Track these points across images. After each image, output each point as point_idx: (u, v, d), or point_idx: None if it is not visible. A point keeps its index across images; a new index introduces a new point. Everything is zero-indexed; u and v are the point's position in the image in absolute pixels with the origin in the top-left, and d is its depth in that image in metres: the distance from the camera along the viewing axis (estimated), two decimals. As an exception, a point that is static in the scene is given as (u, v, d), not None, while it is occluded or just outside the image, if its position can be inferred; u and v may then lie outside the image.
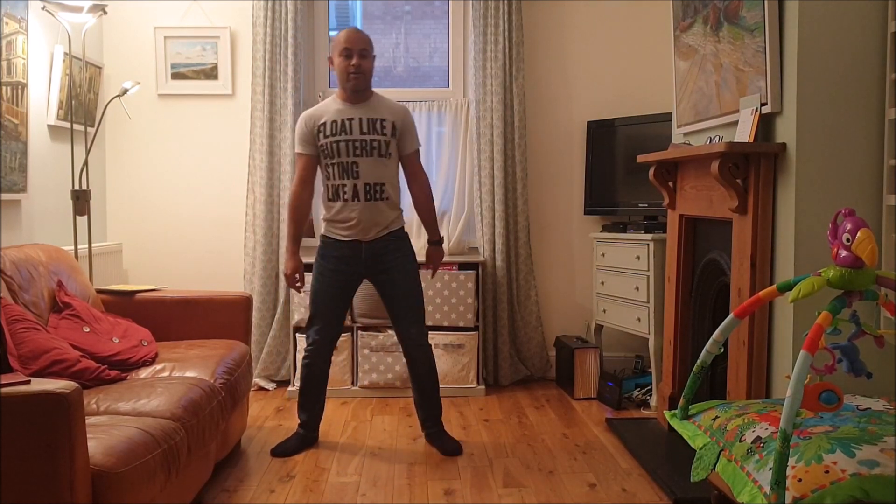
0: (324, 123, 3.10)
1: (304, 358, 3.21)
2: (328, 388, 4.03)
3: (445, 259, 4.11)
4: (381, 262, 3.15)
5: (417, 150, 3.22)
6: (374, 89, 3.20)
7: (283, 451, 3.18)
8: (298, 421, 3.29)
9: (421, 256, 3.35)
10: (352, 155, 3.08)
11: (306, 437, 3.27)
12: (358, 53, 3.05)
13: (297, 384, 3.33)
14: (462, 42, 4.46)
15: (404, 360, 3.31)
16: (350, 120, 3.08)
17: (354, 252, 3.14)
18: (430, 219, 3.26)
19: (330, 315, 3.18)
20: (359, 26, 4.62)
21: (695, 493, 2.64)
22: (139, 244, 4.44)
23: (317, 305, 3.18)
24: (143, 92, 4.33)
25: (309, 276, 3.27)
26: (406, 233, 3.25)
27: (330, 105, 3.14)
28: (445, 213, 4.40)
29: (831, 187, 2.50)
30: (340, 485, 2.85)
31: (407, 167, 3.21)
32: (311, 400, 3.26)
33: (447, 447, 3.20)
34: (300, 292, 3.43)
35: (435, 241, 3.29)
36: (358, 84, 3.07)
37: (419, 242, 4.34)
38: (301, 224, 3.21)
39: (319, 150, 3.13)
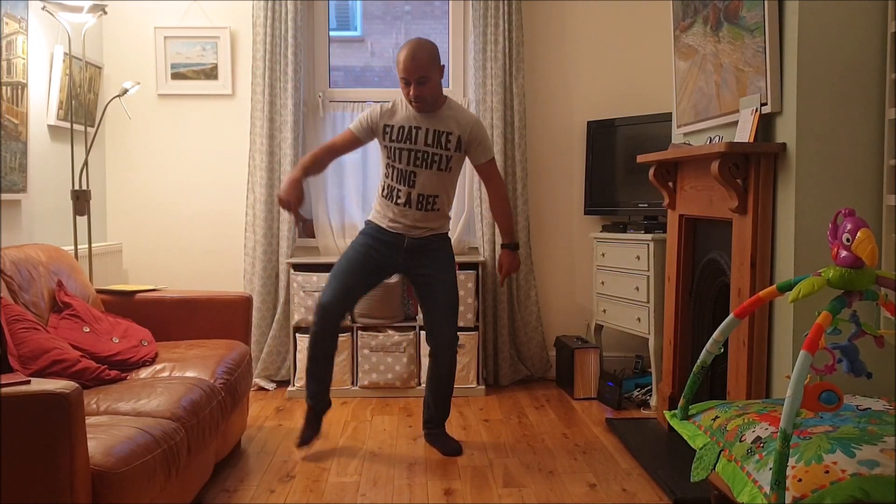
0: (391, 126, 3.08)
1: (314, 325, 3.11)
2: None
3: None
4: (420, 258, 3.15)
5: (491, 160, 3.17)
6: (446, 95, 3.12)
7: (306, 439, 3.17)
8: (306, 404, 3.23)
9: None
10: (412, 164, 3.08)
11: (317, 412, 3.22)
12: (416, 82, 2.96)
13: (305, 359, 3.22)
14: (462, 42, 4.46)
15: (428, 358, 3.25)
16: (417, 129, 3.06)
17: (396, 241, 3.14)
18: (505, 222, 3.23)
19: (350, 282, 3.09)
20: (359, 26, 4.62)
21: (695, 493, 2.64)
22: (139, 244, 4.44)
23: (341, 268, 3.11)
24: (143, 92, 4.33)
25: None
26: (449, 237, 3.27)
27: (404, 108, 3.09)
28: (445, 213, 4.40)
29: (831, 187, 2.50)
30: (340, 485, 2.85)
31: (482, 174, 3.21)
32: (319, 365, 3.16)
33: (448, 447, 3.20)
34: (291, 214, 3.14)
35: (509, 245, 3.24)
36: (421, 109, 3.04)
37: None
38: (311, 170, 3.11)
39: (382, 150, 3.14)
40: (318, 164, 3.13)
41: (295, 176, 3.02)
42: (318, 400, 3.22)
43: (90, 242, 3.78)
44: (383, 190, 3.16)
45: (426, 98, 3.00)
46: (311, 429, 3.21)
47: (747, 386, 2.66)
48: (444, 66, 3.04)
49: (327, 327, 3.09)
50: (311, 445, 3.21)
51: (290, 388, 4.08)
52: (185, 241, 4.44)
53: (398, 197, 3.11)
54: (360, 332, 4.06)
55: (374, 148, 4.36)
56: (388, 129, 3.08)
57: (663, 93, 4.34)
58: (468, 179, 4.38)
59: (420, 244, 3.14)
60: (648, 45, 4.40)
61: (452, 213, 4.25)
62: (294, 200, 2.98)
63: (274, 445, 3.29)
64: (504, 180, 3.24)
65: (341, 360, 4.04)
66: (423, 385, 4.04)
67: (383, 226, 3.15)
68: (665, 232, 3.69)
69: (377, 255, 3.14)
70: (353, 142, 3.14)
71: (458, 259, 4.13)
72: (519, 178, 4.27)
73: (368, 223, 3.21)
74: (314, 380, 3.19)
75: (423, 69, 2.95)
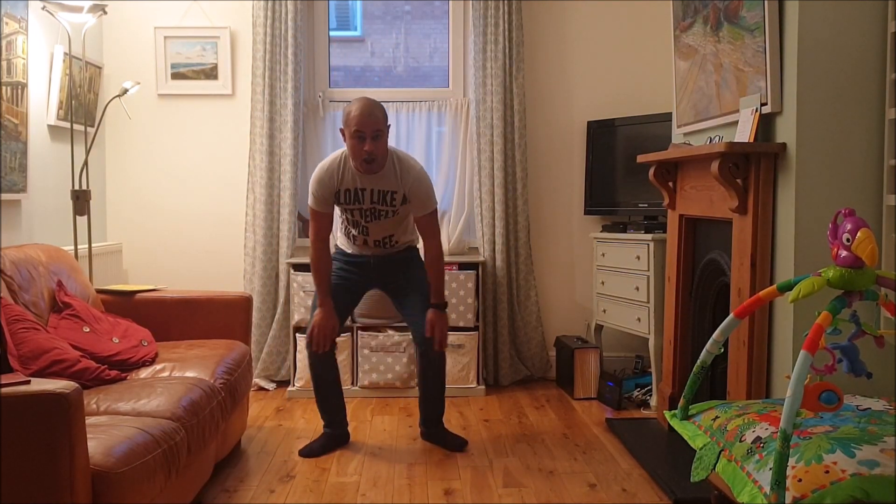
0: (339, 191, 3.12)
1: (309, 357, 3.20)
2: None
3: (445, 259, 4.11)
4: (389, 268, 3.27)
5: (432, 212, 3.17)
6: (390, 148, 3.13)
7: (310, 451, 3.18)
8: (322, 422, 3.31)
9: None
10: (363, 219, 3.18)
11: (332, 436, 3.26)
12: (371, 136, 2.97)
13: (311, 386, 3.30)
14: (462, 42, 4.46)
15: (416, 359, 3.30)
16: (362, 190, 3.11)
17: (365, 261, 3.28)
18: (436, 281, 3.17)
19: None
20: (359, 26, 4.62)
21: (695, 493, 2.64)
22: (139, 244, 4.44)
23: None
24: (143, 92, 4.33)
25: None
26: (416, 247, 3.34)
27: (346, 170, 3.10)
28: (445, 213, 4.40)
29: (831, 187, 2.50)
30: (340, 485, 2.85)
31: (420, 226, 3.20)
32: (325, 397, 3.25)
33: (451, 443, 3.22)
34: (321, 350, 3.15)
35: (438, 305, 3.15)
36: (371, 169, 3.05)
37: (418, 243, 4.33)
38: (328, 276, 3.17)
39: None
40: (326, 270, 3.17)
41: (324, 302, 3.11)
42: (334, 427, 3.28)
43: (90, 242, 3.78)
44: (343, 228, 3.29)
45: (377, 156, 3.01)
46: (319, 446, 3.22)
47: (747, 386, 2.66)
48: (390, 125, 3.08)
49: (321, 356, 3.18)
50: (311, 457, 3.18)
51: (290, 388, 4.08)
52: (185, 241, 4.44)
53: (356, 240, 3.27)
54: (360, 332, 4.06)
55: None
56: (337, 195, 3.14)
57: (663, 93, 4.34)
58: (468, 179, 4.38)
59: (386, 260, 3.28)
60: (648, 45, 4.40)
61: (440, 213, 4.30)
62: (331, 332, 3.11)
63: (274, 445, 3.29)
64: (440, 237, 3.21)
65: (341, 360, 4.04)
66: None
67: (349, 251, 3.31)
68: (665, 232, 3.69)
69: (349, 275, 3.28)
70: (327, 216, 3.17)
71: (458, 259, 4.15)
72: (519, 178, 4.27)
73: (337, 248, 3.35)
74: (323, 410, 3.27)
75: (379, 123, 2.98)
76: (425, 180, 3.13)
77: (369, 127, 2.95)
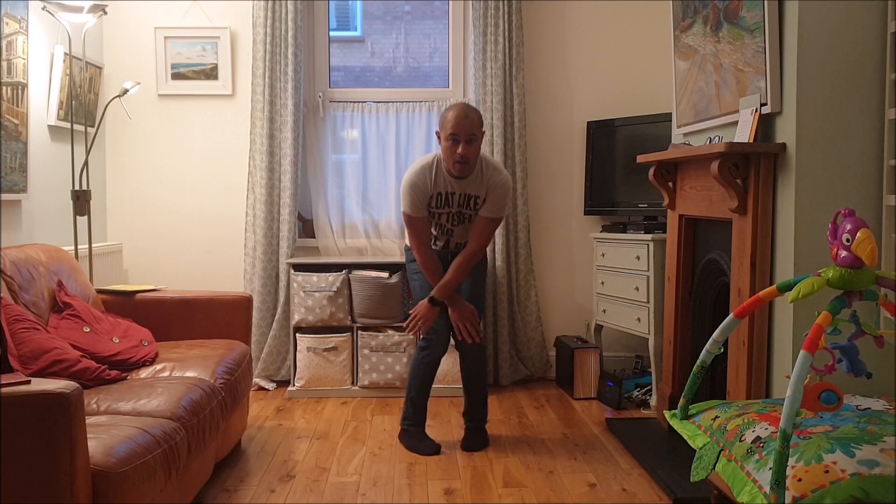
0: (431, 195, 3.18)
1: (422, 349, 3.20)
2: (329, 388, 4.05)
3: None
4: None
5: (496, 219, 3.20)
6: (483, 155, 3.18)
7: (436, 448, 3.20)
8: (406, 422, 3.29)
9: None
10: (449, 223, 3.27)
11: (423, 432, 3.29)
12: (465, 140, 3.03)
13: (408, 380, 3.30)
14: (462, 42, 4.46)
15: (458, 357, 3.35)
16: (452, 194, 3.19)
17: (442, 256, 3.32)
18: (454, 277, 3.17)
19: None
20: (359, 26, 4.62)
21: (695, 493, 2.64)
22: (139, 244, 4.44)
23: (421, 295, 3.26)
24: (143, 92, 4.33)
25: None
26: (485, 254, 3.37)
27: (438, 174, 3.16)
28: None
29: (831, 187, 2.50)
30: (340, 485, 2.86)
31: (476, 226, 3.21)
32: (426, 397, 3.27)
33: (469, 444, 3.24)
34: (415, 334, 3.28)
35: (433, 300, 3.16)
36: (463, 171, 3.10)
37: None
38: (439, 272, 3.20)
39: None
40: (436, 268, 3.20)
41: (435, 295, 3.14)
42: (422, 426, 3.30)
43: (90, 242, 3.78)
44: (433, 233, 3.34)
45: (470, 159, 3.07)
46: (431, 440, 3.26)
47: (747, 386, 2.66)
48: (485, 131, 3.11)
49: (438, 350, 3.22)
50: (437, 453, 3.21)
51: (290, 388, 4.08)
52: (185, 241, 4.44)
53: (436, 242, 3.34)
54: (360, 332, 4.06)
55: (373, 149, 4.38)
56: (431, 199, 3.20)
57: (663, 93, 4.34)
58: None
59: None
60: (648, 45, 4.41)
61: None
62: (427, 319, 3.16)
63: (274, 445, 3.29)
64: (486, 246, 3.25)
65: (341, 360, 4.04)
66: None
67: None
68: (665, 232, 3.69)
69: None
70: (424, 219, 3.21)
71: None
72: (519, 178, 4.27)
73: (409, 249, 3.34)
74: (419, 407, 3.27)
75: (474, 127, 3.05)
76: (507, 188, 3.19)
77: (464, 130, 3.03)
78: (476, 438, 3.27)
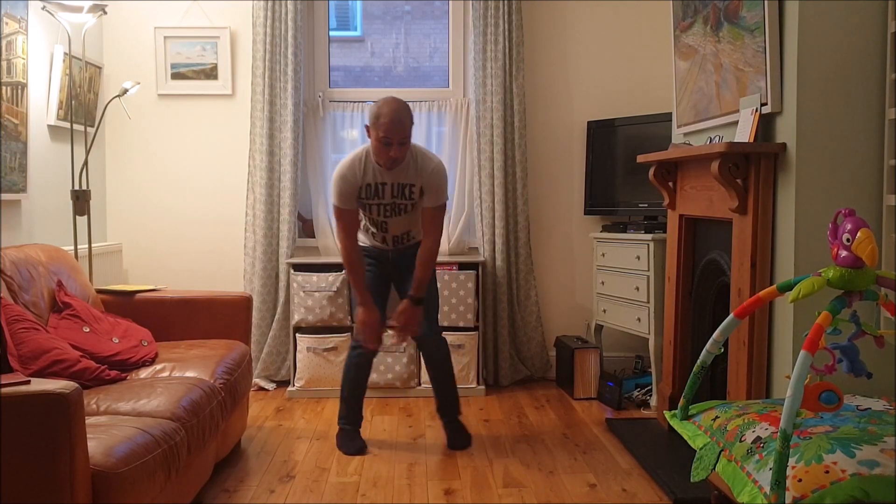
0: (362, 186, 3.14)
1: (352, 359, 3.23)
2: (329, 388, 4.05)
3: (445, 259, 4.13)
4: (405, 263, 3.26)
5: (440, 206, 3.18)
6: (412, 146, 3.15)
7: (360, 448, 3.22)
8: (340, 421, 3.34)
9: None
10: (382, 215, 3.20)
11: (357, 432, 3.31)
12: (398, 143, 3.00)
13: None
14: (462, 42, 4.46)
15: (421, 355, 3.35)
16: (383, 185, 3.14)
17: (384, 254, 3.31)
18: (423, 274, 3.14)
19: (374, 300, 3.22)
20: (359, 26, 4.62)
21: (695, 493, 2.64)
22: (139, 244, 4.44)
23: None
24: (143, 92, 4.33)
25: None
26: None
27: (367, 165, 3.12)
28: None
29: (831, 187, 2.50)
30: (340, 485, 2.85)
31: (424, 219, 3.20)
32: (358, 399, 3.30)
33: (451, 441, 3.24)
34: (374, 349, 3.23)
35: (414, 299, 3.13)
36: (393, 167, 3.08)
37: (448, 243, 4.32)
38: (363, 273, 3.18)
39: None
40: (359, 266, 3.18)
41: (365, 300, 3.13)
42: (355, 425, 3.33)
43: (90, 242, 3.78)
44: (362, 226, 3.30)
45: (401, 159, 3.05)
46: (361, 441, 3.28)
47: (747, 386, 2.66)
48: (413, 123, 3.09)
49: (364, 359, 3.25)
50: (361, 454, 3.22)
51: (290, 388, 4.07)
52: (185, 241, 4.44)
53: (375, 237, 3.30)
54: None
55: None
56: (359, 190, 3.15)
57: (663, 93, 4.34)
58: (468, 179, 4.38)
59: (405, 255, 3.29)
60: (648, 45, 4.40)
61: (450, 214, 4.33)
62: (375, 326, 3.16)
63: (274, 445, 3.29)
64: (440, 235, 3.19)
65: (341, 360, 4.04)
66: (424, 385, 4.07)
67: (368, 245, 3.32)
68: (665, 232, 3.69)
69: (374, 268, 3.30)
70: (353, 212, 3.18)
71: (458, 259, 4.15)
72: (519, 178, 4.27)
73: (362, 245, 3.33)
74: (352, 409, 3.30)
75: (407, 130, 3.01)
76: (443, 173, 3.16)
77: (397, 135, 2.99)
78: (458, 435, 3.27)
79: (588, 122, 4.37)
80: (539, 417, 3.70)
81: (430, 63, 4.56)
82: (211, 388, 2.67)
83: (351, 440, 3.24)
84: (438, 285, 4.02)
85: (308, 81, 4.42)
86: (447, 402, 3.31)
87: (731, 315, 2.10)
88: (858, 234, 1.80)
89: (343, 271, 4.05)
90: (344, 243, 3.16)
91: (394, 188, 3.14)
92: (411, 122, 3.05)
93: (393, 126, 2.96)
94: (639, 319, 3.77)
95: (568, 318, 4.51)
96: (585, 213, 4.40)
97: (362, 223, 3.30)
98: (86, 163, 3.69)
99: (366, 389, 3.32)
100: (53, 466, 1.76)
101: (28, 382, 1.81)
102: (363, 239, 3.32)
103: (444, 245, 4.33)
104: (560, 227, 4.48)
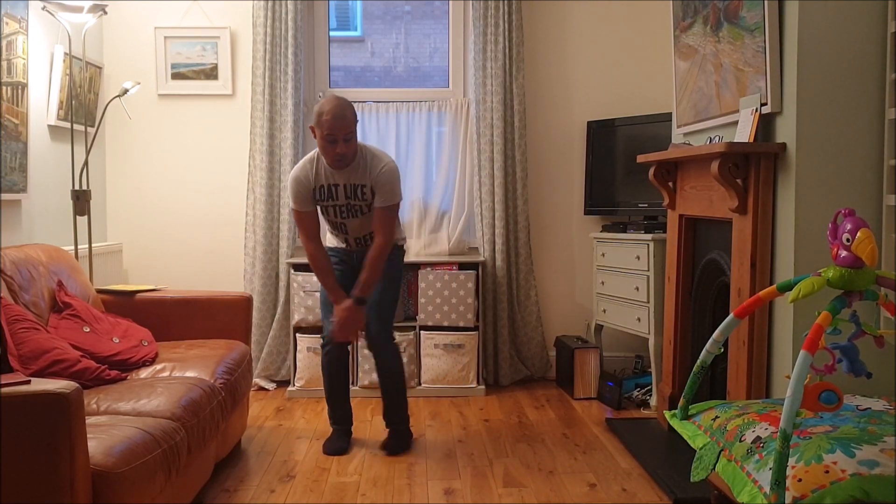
0: (314, 188, 3.15)
1: (326, 357, 3.24)
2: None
3: (445, 259, 4.13)
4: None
5: (392, 206, 3.15)
6: (360, 143, 3.14)
7: (339, 448, 3.22)
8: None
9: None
10: (339, 217, 3.20)
11: (347, 432, 3.33)
12: (342, 139, 3.01)
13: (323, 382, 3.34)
14: (462, 42, 4.46)
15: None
16: (336, 186, 3.15)
17: (348, 255, 3.32)
18: (368, 275, 3.10)
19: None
20: (359, 26, 4.62)
21: (695, 493, 2.64)
22: (139, 244, 4.44)
23: (324, 295, 3.23)
24: (143, 92, 4.33)
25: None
26: (400, 247, 3.32)
27: (319, 166, 3.14)
28: (445, 213, 4.40)
29: (831, 187, 2.50)
30: (340, 485, 2.85)
31: (375, 218, 3.16)
32: (341, 398, 3.31)
33: (390, 445, 3.24)
34: (354, 341, 3.28)
35: (357, 299, 3.09)
36: (340, 166, 3.09)
37: (419, 243, 4.34)
38: (331, 271, 3.18)
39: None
40: (326, 265, 3.17)
41: (338, 296, 3.12)
42: (344, 424, 3.35)
43: (90, 242, 3.78)
44: (329, 229, 3.33)
45: (348, 156, 3.05)
46: (346, 443, 3.29)
47: (747, 386, 2.66)
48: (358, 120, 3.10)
49: (338, 358, 3.26)
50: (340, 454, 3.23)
51: (290, 388, 4.07)
52: (185, 241, 4.44)
53: (338, 240, 3.32)
54: (359, 332, 4.05)
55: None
56: (313, 192, 3.17)
57: (663, 93, 4.34)
58: (468, 179, 4.38)
59: (365, 253, 3.26)
60: (648, 45, 4.41)
61: (439, 213, 4.35)
62: (357, 330, 3.17)
63: (274, 445, 3.29)
64: (391, 237, 3.15)
65: (341, 360, 4.04)
66: (423, 385, 4.08)
67: (333, 246, 3.34)
68: (665, 232, 3.69)
69: (343, 267, 3.29)
70: (311, 213, 3.18)
71: (458, 259, 4.15)
72: (519, 178, 4.27)
73: (326, 246, 3.33)
74: (337, 409, 3.31)
75: (350, 125, 3.02)
76: (393, 173, 3.14)
77: (341, 131, 2.99)
78: (397, 439, 3.26)
79: (588, 122, 4.37)
80: (539, 417, 3.70)
81: (430, 63, 4.57)
82: (211, 387, 2.67)
83: (333, 440, 3.26)
84: (438, 285, 4.03)
85: (308, 81, 4.42)
86: (392, 409, 3.30)
87: (731, 315, 2.10)
88: (858, 233, 1.80)
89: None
90: (307, 246, 3.17)
91: (346, 189, 3.14)
92: (355, 119, 3.05)
93: (336, 122, 2.98)
94: (639, 319, 3.77)
95: (568, 317, 4.51)
96: (585, 213, 4.40)
97: (326, 227, 3.31)
98: (86, 163, 3.69)
99: (348, 387, 3.31)
100: (54, 466, 1.76)
101: (28, 382, 1.81)
102: (331, 240, 3.35)
103: (444, 245, 4.34)
104: (560, 227, 4.48)
